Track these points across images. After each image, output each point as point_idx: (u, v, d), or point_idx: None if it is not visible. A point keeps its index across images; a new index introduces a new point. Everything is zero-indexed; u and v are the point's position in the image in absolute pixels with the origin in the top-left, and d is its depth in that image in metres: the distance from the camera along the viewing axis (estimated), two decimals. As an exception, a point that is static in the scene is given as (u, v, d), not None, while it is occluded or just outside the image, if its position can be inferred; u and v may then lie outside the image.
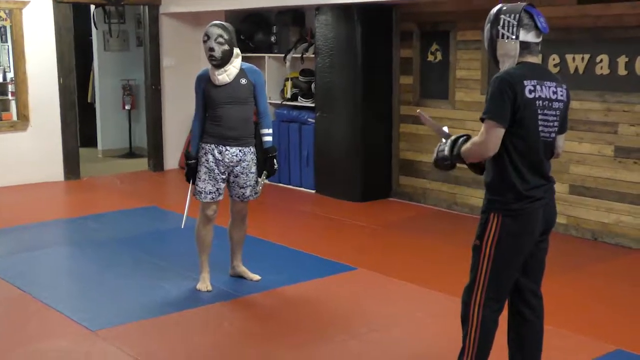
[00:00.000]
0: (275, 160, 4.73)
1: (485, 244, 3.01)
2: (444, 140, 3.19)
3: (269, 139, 4.72)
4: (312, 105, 7.70)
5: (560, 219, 6.02)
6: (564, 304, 4.50)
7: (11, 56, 8.20)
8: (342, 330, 4.07)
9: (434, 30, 6.91)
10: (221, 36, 4.44)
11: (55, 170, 8.31)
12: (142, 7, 9.03)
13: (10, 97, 8.39)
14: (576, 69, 5.80)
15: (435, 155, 3.20)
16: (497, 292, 3.04)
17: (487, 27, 3.06)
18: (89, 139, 10.24)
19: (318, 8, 7.37)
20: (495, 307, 3.06)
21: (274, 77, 8.29)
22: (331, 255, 5.42)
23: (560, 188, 5.99)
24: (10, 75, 8.36)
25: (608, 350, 3.80)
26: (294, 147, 7.91)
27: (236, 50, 4.54)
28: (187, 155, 4.65)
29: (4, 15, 7.91)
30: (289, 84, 8.06)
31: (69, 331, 4.09)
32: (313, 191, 7.72)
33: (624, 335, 3.99)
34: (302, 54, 7.83)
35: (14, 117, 8.16)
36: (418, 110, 3.47)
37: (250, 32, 8.49)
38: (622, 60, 5.51)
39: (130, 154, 10.20)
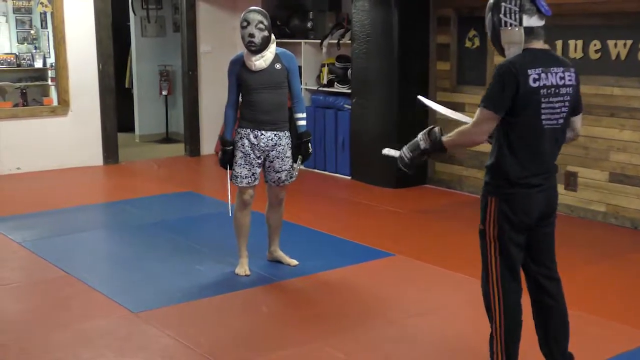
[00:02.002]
0: (309, 145, 4.74)
1: (488, 227, 3.02)
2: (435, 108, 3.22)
3: (303, 123, 4.74)
4: (349, 91, 7.70)
5: (599, 207, 5.98)
6: (603, 291, 4.47)
7: (51, 42, 8.32)
8: (380, 316, 4.10)
9: (471, 16, 6.85)
10: (262, 22, 4.46)
11: (94, 154, 8.43)
12: (179, -7, 9.09)
13: (50, 82, 8.53)
14: (618, 55, 5.71)
15: (409, 154, 3.15)
16: (510, 270, 3.04)
17: (487, 15, 3.01)
18: (127, 124, 10.34)
19: (355, -7, 7.36)
20: (514, 288, 3.06)
21: (310, 63, 8.30)
22: (368, 242, 5.44)
23: (600, 176, 5.94)
24: (50, 61, 8.49)
25: (648, 339, 3.76)
26: (330, 133, 7.92)
27: (272, 36, 4.56)
28: (222, 140, 4.68)
29: (45, 2, 8.02)
30: (325, 70, 8.06)
31: (110, 312, 4.17)
32: (349, 177, 7.73)
33: (665, 325, 3.95)
34: (339, 40, 7.82)
35: (55, 102, 8.28)
36: (419, 98, 3.46)
37: (287, 17, 8.50)
38: (665, 46, 5.42)
39: (167, 139, 10.30)
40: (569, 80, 2.97)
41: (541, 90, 2.89)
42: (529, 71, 2.88)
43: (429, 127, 3.15)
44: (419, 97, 3.43)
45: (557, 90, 2.93)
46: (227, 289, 4.52)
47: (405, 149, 3.20)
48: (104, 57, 8.39)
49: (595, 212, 6.01)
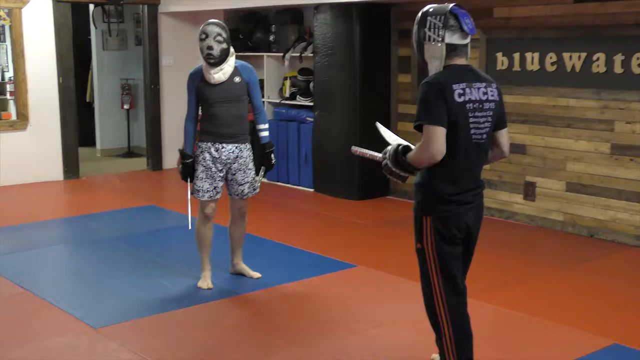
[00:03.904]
0: (272, 156, 4.76)
1: (426, 245, 3.04)
2: (378, 155, 3.17)
3: (265, 134, 4.75)
4: (311, 104, 7.73)
5: (557, 216, 6.09)
6: (561, 299, 4.55)
7: (10, 56, 8.22)
8: (343, 327, 4.11)
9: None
10: (220, 35, 4.47)
11: (54, 169, 8.34)
12: (141, 6, 9.06)
13: (8, 96, 8.41)
14: (573, 67, 5.84)
15: (384, 171, 3.15)
16: (452, 283, 3.07)
17: (415, 28, 3.04)
18: (88, 138, 10.26)
19: (317, 7, 7.41)
20: (459, 300, 3.09)
21: (273, 76, 8.33)
22: (331, 253, 5.46)
23: (557, 185, 6.05)
24: (8, 74, 8.39)
25: (604, 344, 3.84)
26: (293, 146, 7.95)
27: (231, 49, 4.57)
28: (182, 154, 4.66)
29: (3, 15, 7.94)
30: (287, 82, 8.10)
31: (71, 328, 4.12)
32: (312, 190, 7.75)
33: (620, 330, 4.03)
34: (301, 53, 7.86)
35: (14, 117, 8.17)
36: (353, 148, 3.42)
37: (249, 31, 8.52)
38: (618, 58, 5.55)
39: (129, 153, 10.23)
40: (492, 95, 3.01)
41: (467, 105, 2.92)
42: (454, 86, 2.91)
43: (395, 148, 3.07)
44: (354, 148, 3.42)
45: (481, 105, 2.96)
46: (190, 302, 4.49)
47: (383, 166, 3.15)
48: (65, 71, 8.32)
49: (554, 221, 6.12)
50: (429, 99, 2.89)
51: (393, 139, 3.23)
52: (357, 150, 3.35)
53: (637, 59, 5.44)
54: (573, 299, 4.58)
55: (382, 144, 3.28)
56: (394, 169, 3.09)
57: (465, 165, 2.98)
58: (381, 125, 3.36)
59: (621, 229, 5.70)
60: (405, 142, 3.13)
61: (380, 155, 3.20)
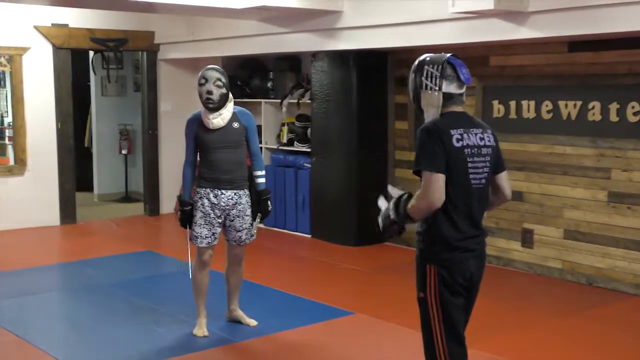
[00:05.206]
0: (269, 202, 4.75)
1: (430, 294, 2.99)
2: (383, 205, 3.11)
3: (262, 180, 4.75)
4: (308, 150, 7.77)
5: (555, 264, 6.06)
6: (558, 348, 4.50)
7: (9, 101, 8.27)
8: (339, 376, 4.06)
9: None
10: (219, 80, 4.51)
11: (51, 214, 8.33)
12: (140, 53, 9.16)
13: (7, 141, 8.43)
14: (569, 115, 5.89)
15: (381, 222, 3.11)
16: (455, 334, 3.02)
17: (411, 76, 3.07)
18: (85, 183, 10.26)
19: (314, 54, 7.49)
20: (461, 351, 3.04)
21: (270, 122, 8.38)
22: (328, 300, 5.42)
23: (555, 233, 6.05)
24: (7, 120, 8.42)
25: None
26: (290, 192, 7.95)
27: (230, 95, 4.60)
28: (181, 201, 4.65)
29: (3, 62, 8.01)
30: (285, 129, 8.14)
31: (64, 377, 4.06)
32: (309, 235, 7.73)
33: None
34: (299, 100, 7.93)
35: (11, 162, 8.19)
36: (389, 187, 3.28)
37: (247, 77, 8.61)
38: (613, 107, 5.60)
39: (127, 198, 10.22)
40: (488, 141, 3.03)
41: (465, 150, 2.94)
42: (452, 132, 2.92)
43: (399, 196, 3.06)
44: (382, 195, 3.35)
45: (479, 151, 2.98)
46: (185, 350, 4.44)
47: (381, 216, 3.13)
48: (63, 116, 8.36)
49: (552, 269, 6.10)
50: (428, 145, 2.90)
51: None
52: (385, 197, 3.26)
53: (632, 107, 5.49)
54: (571, 347, 4.53)
55: (380, 185, 3.22)
56: (392, 218, 3.06)
57: (466, 211, 2.97)
58: (392, 187, 3.29)
59: (620, 277, 5.68)
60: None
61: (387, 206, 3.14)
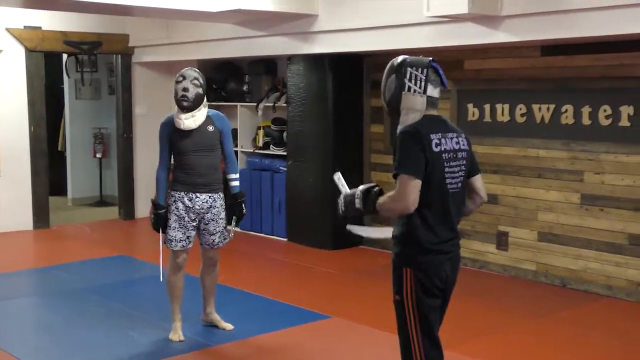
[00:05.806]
0: (243, 205, 4.74)
1: (406, 297, 2.99)
2: (344, 190, 3.13)
3: (236, 183, 4.75)
4: (284, 153, 7.76)
5: (529, 266, 6.11)
6: (533, 349, 4.53)
7: (-19, 104, 8.17)
8: (315, 379, 4.06)
9: (403, 81, 7.03)
10: (197, 79, 4.50)
11: (24, 218, 8.23)
12: (114, 56, 9.09)
13: (-21, 145, 8.33)
14: (542, 118, 5.95)
15: (343, 207, 3.13)
16: (430, 337, 3.03)
17: (390, 77, 3.02)
18: (59, 187, 10.16)
19: (290, 58, 7.49)
20: (436, 354, 3.05)
21: (246, 126, 8.36)
22: (304, 304, 5.41)
23: (529, 235, 6.10)
24: (-20, 123, 8.32)
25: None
26: (266, 195, 7.94)
27: (204, 98, 4.59)
28: (155, 204, 4.62)
29: (-25, 64, 7.91)
30: (261, 132, 8.13)
31: (37, 383, 4.02)
32: (285, 239, 7.72)
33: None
34: (274, 103, 7.92)
35: (-17, 166, 8.09)
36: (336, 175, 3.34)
37: (223, 81, 8.58)
38: (586, 110, 5.67)
39: (101, 202, 10.13)
40: (463, 145, 3.04)
41: (443, 155, 2.94)
42: (431, 136, 2.92)
43: (368, 187, 3.07)
44: (338, 174, 3.33)
45: (455, 155, 2.99)
46: (161, 355, 4.40)
47: (341, 200, 3.15)
48: (37, 120, 8.28)
49: (526, 271, 6.15)
50: (411, 150, 2.89)
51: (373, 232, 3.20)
52: (339, 179, 3.29)
53: (604, 110, 5.56)
54: (545, 348, 4.57)
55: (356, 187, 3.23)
56: (357, 206, 3.06)
57: (442, 215, 2.98)
58: (340, 177, 3.31)
59: (592, 278, 5.74)
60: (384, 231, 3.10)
61: (349, 191, 3.15)
